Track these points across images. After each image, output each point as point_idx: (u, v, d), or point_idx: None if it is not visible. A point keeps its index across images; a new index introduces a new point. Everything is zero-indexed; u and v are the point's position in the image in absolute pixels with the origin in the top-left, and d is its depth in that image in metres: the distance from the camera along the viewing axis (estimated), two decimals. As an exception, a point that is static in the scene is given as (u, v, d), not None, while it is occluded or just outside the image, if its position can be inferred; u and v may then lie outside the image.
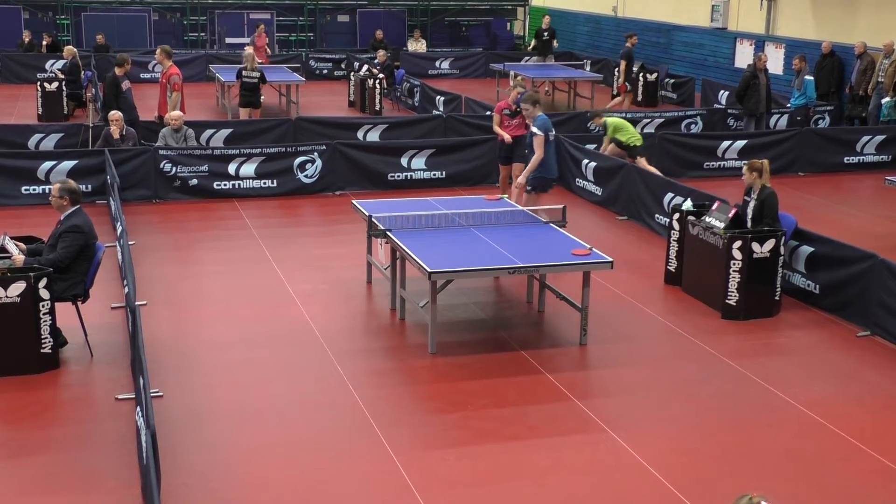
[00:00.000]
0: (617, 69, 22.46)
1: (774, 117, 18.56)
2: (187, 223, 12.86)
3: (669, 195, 12.18)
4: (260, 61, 21.42)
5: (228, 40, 28.76)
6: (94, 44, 25.84)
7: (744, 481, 6.61)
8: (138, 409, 6.63)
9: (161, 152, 13.73)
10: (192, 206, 13.62)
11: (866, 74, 18.48)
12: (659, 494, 6.55)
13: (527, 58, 26.76)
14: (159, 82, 15.77)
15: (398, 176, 14.71)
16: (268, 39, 25.23)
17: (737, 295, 9.61)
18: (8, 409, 7.54)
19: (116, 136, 13.87)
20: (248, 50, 19.55)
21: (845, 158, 16.40)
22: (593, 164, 14.24)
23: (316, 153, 14.33)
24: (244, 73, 17.61)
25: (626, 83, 21.09)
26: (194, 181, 13.84)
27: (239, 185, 14.04)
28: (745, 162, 10.31)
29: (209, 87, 22.84)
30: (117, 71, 15.27)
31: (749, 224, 9.87)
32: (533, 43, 25.85)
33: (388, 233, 9.38)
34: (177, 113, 14.47)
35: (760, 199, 9.82)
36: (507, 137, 12.84)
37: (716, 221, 9.91)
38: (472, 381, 8.17)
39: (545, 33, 25.20)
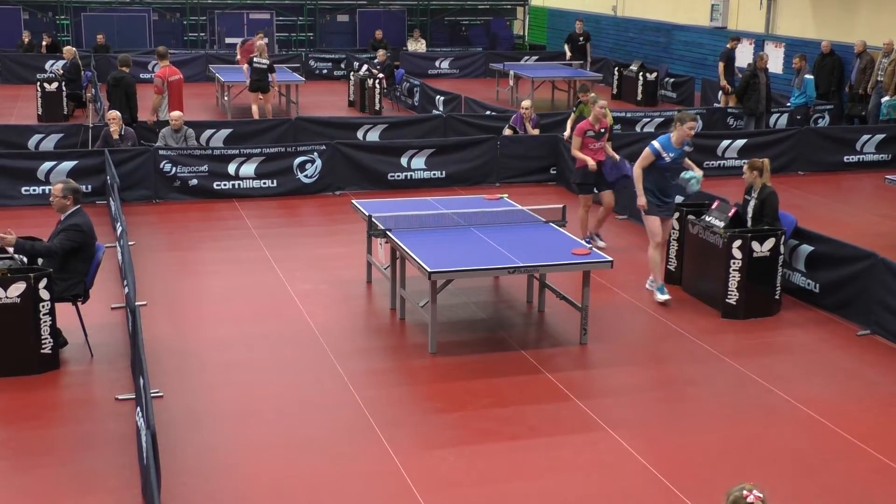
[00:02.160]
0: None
1: (774, 116, 18.56)
2: (187, 223, 12.86)
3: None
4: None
5: (228, 40, 28.75)
6: (93, 44, 25.83)
7: (744, 481, 6.59)
8: (138, 409, 6.63)
9: (161, 152, 13.74)
10: (192, 206, 13.62)
11: (866, 73, 18.48)
12: (659, 494, 6.55)
13: (523, 59, 26.72)
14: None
15: (398, 176, 14.71)
16: (266, 40, 25.09)
17: (737, 294, 9.62)
18: (8, 410, 7.55)
19: (116, 136, 13.88)
20: (259, 42, 19.91)
21: (845, 157, 16.41)
22: (593, 163, 14.21)
23: (316, 153, 14.33)
24: (255, 60, 18.51)
25: (727, 84, 20.59)
26: (194, 181, 13.85)
27: (239, 185, 14.04)
28: (746, 161, 10.30)
29: (209, 87, 22.83)
30: (126, 70, 15.43)
31: (749, 223, 9.87)
32: (567, 50, 24.95)
33: (388, 233, 9.38)
34: (177, 113, 14.49)
35: (761, 199, 9.82)
36: (591, 163, 11.39)
37: (715, 220, 9.92)
38: (472, 381, 8.17)
39: (580, 38, 24.78)
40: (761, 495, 4.15)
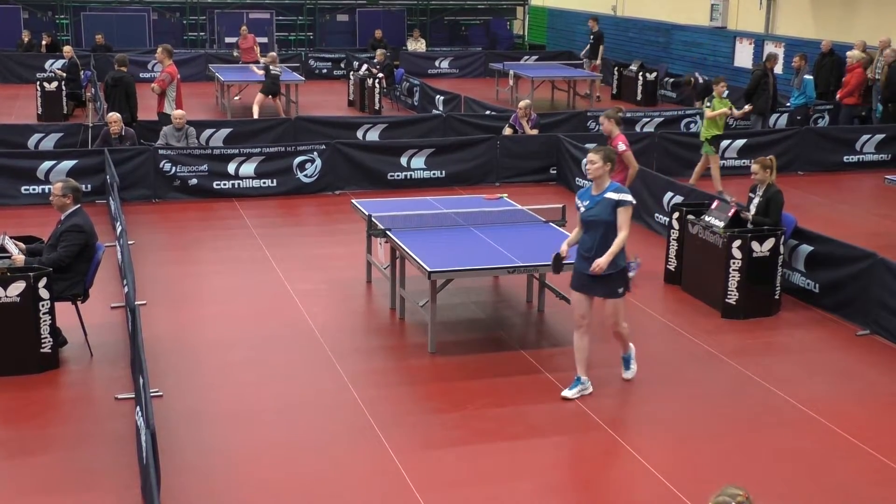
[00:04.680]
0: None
1: (774, 116, 18.56)
2: (187, 223, 12.86)
3: (669, 194, 12.19)
4: (246, 61, 22.55)
5: (228, 40, 28.75)
6: (93, 44, 25.83)
7: (744, 481, 6.60)
8: (138, 408, 6.63)
9: (161, 152, 13.73)
10: (191, 205, 13.62)
11: (866, 73, 18.47)
12: (659, 494, 6.55)
13: (523, 58, 26.63)
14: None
15: (398, 175, 14.71)
16: (255, 39, 24.88)
17: (737, 294, 9.61)
18: (8, 409, 7.54)
19: (115, 136, 13.84)
20: (272, 53, 20.52)
21: (845, 157, 16.42)
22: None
23: (315, 153, 14.33)
24: (271, 68, 19.20)
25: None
26: (194, 181, 13.84)
27: (238, 184, 14.04)
28: (755, 160, 10.14)
29: (209, 87, 22.83)
30: (125, 70, 15.43)
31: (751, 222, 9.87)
32: (590, 49, 24.71)
33: (387, 232, 9.38)
34: (180, 112, 14.49)
35: (766, 197, 9.83)
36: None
37: (715, 220, 9.92)
38: (472, 381, 8.17)
39: (591, 37, 24.63)
40: None
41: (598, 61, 24.13)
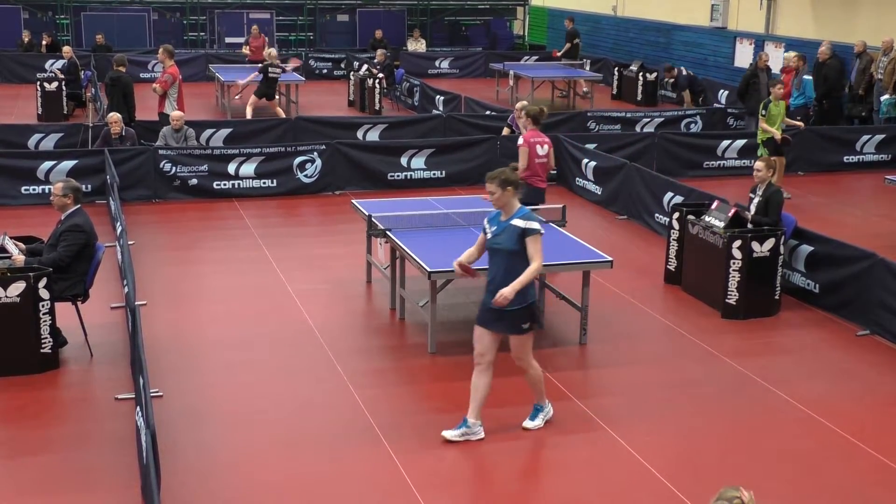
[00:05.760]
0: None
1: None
2: (187, 223, 12.86)
3: (669, 194, 12.19)
4: (253, 60, 22.20)
5: (228, 40, 28.76)
6: (93, 44, 25.83)
7: (744, 481, 6.59)
8: (138, 408, 6.63)
9: (161, 152, 13.74)
10: (191, 205, 13.62)
11: (865, 74, 18.46)
12: (659, 494, 6.55)
13: (523, 59, 26.64)
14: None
15: (398, 175, 14.71)
16: (266, 40, 24.89)
17: (737, 294, 9.61)
18: (8, 409, 7.55)
19: (115, 137, 13.86)
20: (271, 50, 20.10)
21: (845, 157, 16.42)
22: (593, 163, 14.24)
23: (315, 153, 14.33)
24: (271, 69, 18.60)
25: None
26: (194, 181, 13.84)
27: (239, 184, 14.04)
28: (761, 158, 10.21)
29: (209, 87, 22.82)
30: (123, 70, 15.42)
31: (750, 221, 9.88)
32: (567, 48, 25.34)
33: (387, 232, 9.38)
34: (178, 113, 14.49)
35: (766, 196, 9.84)
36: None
37: (715, 221, 9.92)
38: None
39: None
40: None
41: (561, 52, 24.49)
